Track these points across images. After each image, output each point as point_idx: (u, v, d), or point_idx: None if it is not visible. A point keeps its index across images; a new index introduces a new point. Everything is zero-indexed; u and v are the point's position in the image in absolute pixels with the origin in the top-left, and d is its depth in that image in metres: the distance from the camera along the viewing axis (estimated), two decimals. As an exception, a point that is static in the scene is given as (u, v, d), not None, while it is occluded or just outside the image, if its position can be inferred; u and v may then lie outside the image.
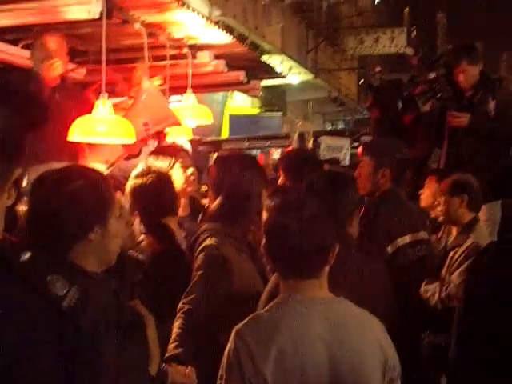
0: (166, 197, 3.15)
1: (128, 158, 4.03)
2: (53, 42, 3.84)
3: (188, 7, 4.18)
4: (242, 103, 14.73)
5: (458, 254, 3.56)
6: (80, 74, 4.85)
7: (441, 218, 3.97)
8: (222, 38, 4.84)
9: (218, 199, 2.99)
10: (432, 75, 4.98)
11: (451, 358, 2.44)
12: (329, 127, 20.23)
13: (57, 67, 3.81)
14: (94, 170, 2.06)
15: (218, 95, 13.13)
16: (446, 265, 3.58)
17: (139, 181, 3.11)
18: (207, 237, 2.91)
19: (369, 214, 3.31)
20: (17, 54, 4.39)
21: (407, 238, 3.28)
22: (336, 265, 2.58)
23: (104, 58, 3.56)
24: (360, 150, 3.55)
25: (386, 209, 3.35)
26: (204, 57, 4.91)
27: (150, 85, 3.92)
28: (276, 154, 7.53)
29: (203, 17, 4.28)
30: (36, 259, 1.65)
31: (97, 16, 3.54)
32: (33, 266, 1.63)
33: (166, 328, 2.62)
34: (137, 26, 4.03)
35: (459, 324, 2.44)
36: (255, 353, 1.99)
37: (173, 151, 4.00)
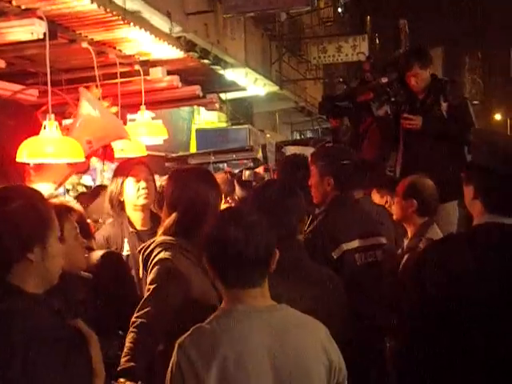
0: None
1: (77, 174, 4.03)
2: None
3: (135, 25, 4.19)
4: (209, 118, 14.75)
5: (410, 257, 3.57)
6: (32, 95, 4.83)
7: (394, 217, 4.02)
8: (174, 53, 4.84)
9: (174, 214, 2.98)
10: (384, 80, 5.04)
11: (401, 354, 2.46)
12: (297, 137, 20.34)
13: None
14: (33, 190, 2.06)
15: (184, 111, 13.15)
16: (401, 268, 3.60)
17: None
18: (161, 250, 2.89)
19: (316, 222, 3.34)
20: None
21: (355, 243, 3.30)
22: (292, 272, 2.61)
23: (49, 78, 3.55)
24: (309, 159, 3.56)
25: (331, 215, 3.37)
26: (157, 73, 4.90)
27: (90, 101, 3.87)
28: (248, 175, 7.54)
29: (151, 33, 4.28)
30: None
31: (41, 37, 3.52)
32: None
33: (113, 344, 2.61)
34: (84, 44, 4.02)
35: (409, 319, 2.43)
36: (198, 365, 1.99)
37: (125, 166, 4.03)
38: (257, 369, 2.00)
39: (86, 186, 8.20)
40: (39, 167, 3.78)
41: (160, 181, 4.74)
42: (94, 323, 2.09)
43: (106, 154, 4.10)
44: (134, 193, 3.89)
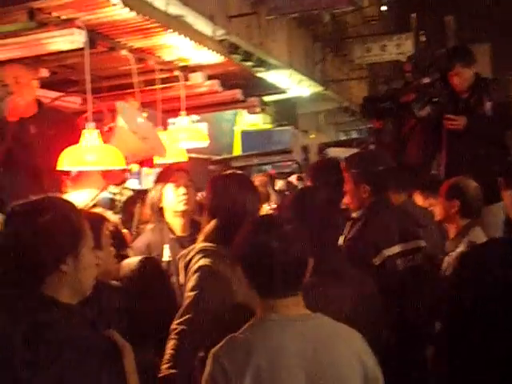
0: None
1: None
2: (7, 76, 3.85)
3: (177, 30, 4.21)
4: (253, 119, 14.77)
5: (450, 259, 3.53)
6: (75, 103, 4.91)
7: (438, 218, 3.96)
8: (214, 57, 4.85)
9: (213, 220, 2.99)
10: (426, 80, 4.97)
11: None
12: (342, 137, 20.20)
13: (19, 101, 3.81)
14: (65, 201, 2.07)
15: (228, 113, 13.19)
16: (443, 270, 3.54)
17: None
18: (201, 257, 2.89)
19: (355, 228, 3.30)
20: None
21: (396, 249, 3.26)
22: (332, 282, 2.59)
23: (89, 87, 3.59)
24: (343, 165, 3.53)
25: (370, 221, 3.33)
26: (197, 78, 4.92)
27: (127, 116, 3.89)
28: (281, 184, 7.49)
29: (192, 38, 4.29)
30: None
31: (81, 46, 3.57)
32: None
33: (148, 355, 2.62)
34: (123, 52, 4.06)
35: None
36: (231, 375, 1.98)
37: (165, 172, 4.06)
38: (290, 378, 1.98)
39: (133, 190, 8.31)
40: (76, 178, 3.84)
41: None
42: (129, 331, 2.11)
43: (145, 160, 4.13)
44: (173, 199, 3.91)
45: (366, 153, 4.35)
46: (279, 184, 7.54)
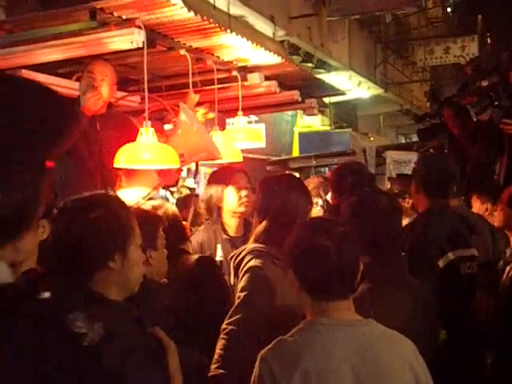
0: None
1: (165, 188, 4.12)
2: (97, 72, 3.94)
3: (237, 30, 4.22)
4: (312, 121, 14.73)
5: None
6: (134, 101, 4.98)
7: (496, 224, 3.87)
8: (273, 58, 4.84)
9: (264, 222, 2.98)
10: (484, 83, 4.84)
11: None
12: (402, 140, 19.93)
13: (99, 98, 3.89)
14: (116, 199, 2.09)
15: (287, 114, 13.19)
16: (503, 280, 3.45)
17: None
18: (252, 258, 2.90)
19: (417, 229, 3.26)
20: (69, 87, 4.54)
21: (459, 253, 3.21)
22: (390, 288, 2.55)
23: (146, 86, 3.63)
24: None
25: (432, 224, 3.30)
26: (254, 78, 4.92)
27: (189, 116, 3.94)
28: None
29: (248, 39, 4.29)
30: (56, 297, 1.68)
31: (140, 45, 3.61)
32: (53, 303, 1.67)
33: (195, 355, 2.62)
34: (182, 52, 4.09)
35: None
36: (280, 378, 1.96)
37: (226, 173, 4.06)
38: (338, 383, 1.95)
39: (189, 189, 8.38)
40: (131, 174, 3.89)
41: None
42: (177, 330, 2.11)
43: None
44: (235, 201, 3.91)
45: (428, 155, 4.27)
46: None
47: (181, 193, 8.15)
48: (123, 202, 2.05)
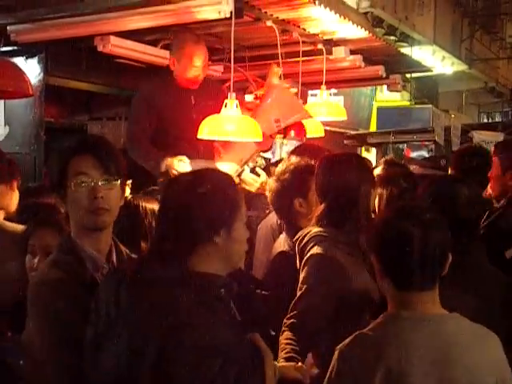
0: None
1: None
2: (195, 51, 3.98)
3: (320, 4, 4.12)
4: (391, 95, 14.41)
5: None
6: (217, 71, 4.97)
7: None
8: (359, 32, 4.72)
9: (324, 203, 2.83)
10: None
11: None
12: (484, 119, 19.32)
13: (195, 71, 3.96)
14: (225, 175, 2.07)
15: (367, 88, 12.94)
16: None
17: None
18: (314, 244, 2.75)
19: (492, 217, 3.13)
20: (156, 55, 4.58)
21: None
22: (470, 279, 2.45)
23: (233, 57, 3.60)
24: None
25: (509, 211, 3.14)
26: (339, 52, 4.83)
27: (279, 81, 3.93)
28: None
29: (336, 12, 4.19)
30: None
31: (228, 15, 3.58)
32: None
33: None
34: (269, 23, 4.04)
35: None
36: (360, 376, 1.91)
37: (315, 151, 3.98)
38: (422, 381, 1.87)
39: (265, 159, 8.37)
40: (228, 145, 3.91)
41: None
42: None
43: (300, 130, 4.14)
44: None
45: None
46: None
47: (256, 162, 8.15)
48: (232, 178, 2.05)
